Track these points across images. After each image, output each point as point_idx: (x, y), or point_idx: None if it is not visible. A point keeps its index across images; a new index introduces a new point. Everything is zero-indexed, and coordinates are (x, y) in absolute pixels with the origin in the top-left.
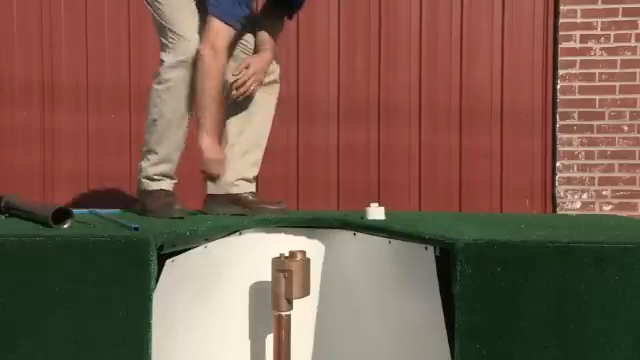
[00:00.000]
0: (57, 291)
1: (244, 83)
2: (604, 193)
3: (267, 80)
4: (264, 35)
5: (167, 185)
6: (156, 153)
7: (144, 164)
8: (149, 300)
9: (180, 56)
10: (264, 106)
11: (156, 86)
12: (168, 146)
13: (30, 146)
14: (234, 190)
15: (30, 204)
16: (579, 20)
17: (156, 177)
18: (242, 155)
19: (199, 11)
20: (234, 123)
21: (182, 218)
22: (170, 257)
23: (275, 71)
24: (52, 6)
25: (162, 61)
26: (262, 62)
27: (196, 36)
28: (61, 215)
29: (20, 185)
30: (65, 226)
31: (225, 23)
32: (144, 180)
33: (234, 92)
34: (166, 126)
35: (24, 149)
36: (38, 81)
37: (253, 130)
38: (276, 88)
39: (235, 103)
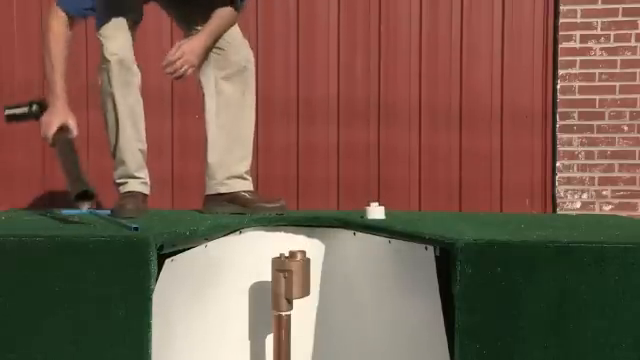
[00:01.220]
0: (57, 291)
1: (172, 64)
2: (604, 193)
3: (233, 70)
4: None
5: (132, 186)
6: (114, 159)
7: (114, 173)
8: (149, 300)
9: (101, 57)
10: (238, 98)
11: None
12: (119, 148)
13: (30, 146)
14: (224, 189)
15: (70, 165)
16: (579, 20)
17: (119, 181)
18: (227, 152)
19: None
20: (212, 121)
21: (132, 218)
22: (170, 257)
23: (238, 62)
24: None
25: None
26: (192, 45)
27: (108, 31)
28: (84, 196)
29: (20, 185)
30: (83, 208)
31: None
32: (117, 187)
33: (167, 72)
34: (110, 130)
35: (24, 149)
36: (38, 81)
37: (233, 125)
38: (247, 77)
39: (208, 101)
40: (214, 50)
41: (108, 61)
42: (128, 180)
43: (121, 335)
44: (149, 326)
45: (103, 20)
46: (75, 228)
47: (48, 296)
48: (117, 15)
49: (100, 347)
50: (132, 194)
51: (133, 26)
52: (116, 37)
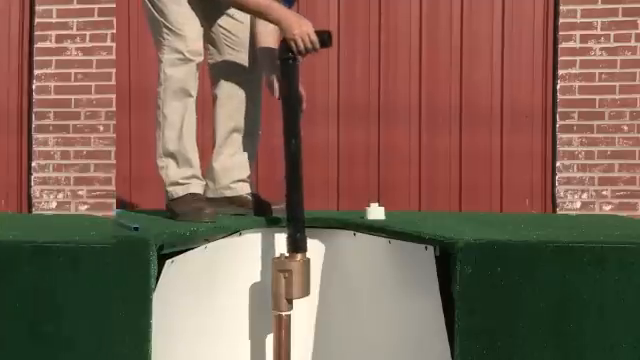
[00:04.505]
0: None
1: None
2: (604, 193)
3: (248, 75)
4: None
5: (195, 187)
6: (174, 158)
7: (168, 172)
8: (149, 300)
9: (177, 54)
10: (248, 103)
11: (158, 89)
12: (183, 147)
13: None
14: (229, 193)
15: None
16: (579, 20)
17: (182, 181)
18: (232, 156)
19: (198, 15)
20: (221, 126)
21: (213, 222)
22: (170, 257)
23: (253, 66)
24: None
25: (160, 61)
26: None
27: (194, 33)
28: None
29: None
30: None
31: None
32: (171, 188)
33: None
34: (174, 128)
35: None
36: None
37: (241, 130)
38: (257, 83)
39: (219, 107)
40: (230, 52)
41: (191, 60)
42: (192, 181)
43: (121, 335)
44: (149, 326)
45: (184, 20)
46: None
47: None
48: (195, 17)
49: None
50: (198, 197)
51: None
52: (199, 39)
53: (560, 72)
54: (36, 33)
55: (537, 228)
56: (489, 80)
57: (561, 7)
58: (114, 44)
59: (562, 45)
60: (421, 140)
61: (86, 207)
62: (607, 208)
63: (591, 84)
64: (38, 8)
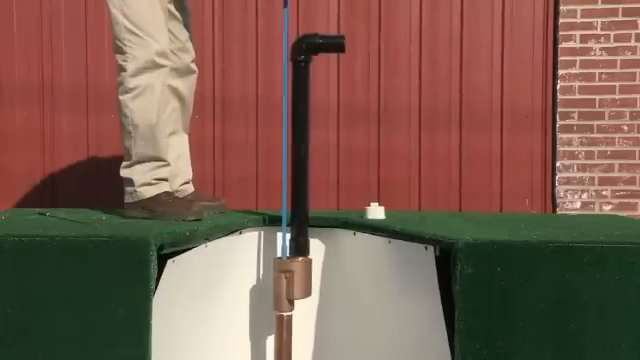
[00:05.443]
0: (57, 291)
1: None
2: (604, 193)
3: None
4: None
5: (167, 187)
6: (149, 160)
7: (138, 174)
8: (149, 300)
9: (145, 62)
10: (189, 105)
11: (122, 97)
12: (158, 150)
13: (30, 146)
14: (180, 195)
15: None
16: (579, 20)
17: (154, 182)
18: (185, 156)
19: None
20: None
21: (200, 220)
22: (171, 257)
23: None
24: (52, 6)
25: (122, 67)
26: None
27: (165, 39)
28: None
29: (20, 184)
30: None
31: None
32: (141, 188)
33: None
34: (146, 134)
35: (23, 150)
36: (38, 81)
37: (181, 131)
38: (193, 78)
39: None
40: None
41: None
42: (164, 182)
43: (121, 335)
44: (149, 326)
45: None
46: (75, 228)
47: (48, 296)
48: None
49: (100, 347)
50: (170, 194)
51: None
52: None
53: (560, 72)
54: (560, 33)
55: (537, 228)
56: (489, 80)
57: (561, 7)
58: (638, 44)
59: (562, 45)
60: (421, 140)
61: (610, 207)
62: (607, 208)
63: (591, 84)
64: (562, 8)
